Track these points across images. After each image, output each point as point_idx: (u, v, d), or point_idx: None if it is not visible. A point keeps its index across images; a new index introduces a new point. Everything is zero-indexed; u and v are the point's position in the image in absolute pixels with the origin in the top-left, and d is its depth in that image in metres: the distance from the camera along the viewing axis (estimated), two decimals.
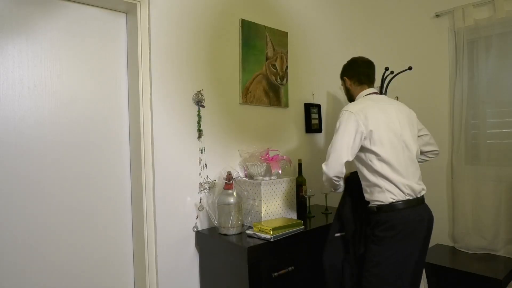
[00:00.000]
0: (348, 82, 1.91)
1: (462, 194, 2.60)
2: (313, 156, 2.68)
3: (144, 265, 1.82)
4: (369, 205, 1.71)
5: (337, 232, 1.85)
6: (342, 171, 1.64)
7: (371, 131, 1.63)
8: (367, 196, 1.72)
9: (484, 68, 2.52)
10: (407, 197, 1.63)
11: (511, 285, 2.17)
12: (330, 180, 1.68)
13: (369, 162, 1.66)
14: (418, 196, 1.67)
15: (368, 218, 1.73)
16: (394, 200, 1.61)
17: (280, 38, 2.43)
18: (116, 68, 1.86)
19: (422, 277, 2.28)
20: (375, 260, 1.62)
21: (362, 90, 1.85)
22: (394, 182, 1.61)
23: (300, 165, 2.43)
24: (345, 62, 1.94)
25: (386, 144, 1.64)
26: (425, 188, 1.72)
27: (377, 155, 1.63)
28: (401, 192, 1.62)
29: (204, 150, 2.02)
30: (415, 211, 1.64)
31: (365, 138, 1.64)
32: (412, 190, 1.64)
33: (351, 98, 1.93)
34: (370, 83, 1.87)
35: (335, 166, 1.62)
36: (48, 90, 1.65)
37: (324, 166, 1.66)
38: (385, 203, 1.63)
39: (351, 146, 1.62)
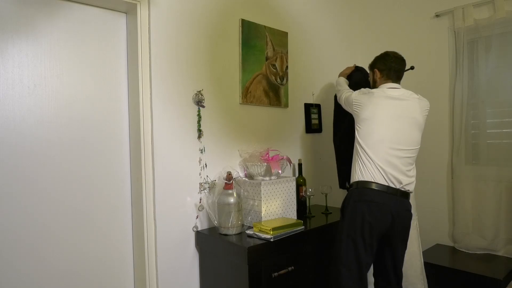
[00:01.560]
0: (378, 74, 1.95)
1: (462, 194, 2.60)
2: (313, 156, 2.68)
3: (144, 265, 1.82)
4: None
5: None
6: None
7: (362, 114, 1.82)
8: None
9: (484, 68, 2.52)
10: (374, 180, 1.73)
11: (511, 285, 2.17)
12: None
13: (355, 140, 1.87)
14: (390, 185, 1.74)
15: None
16: (359, 179, 1.78)
17: (280, 38, 2.43)
18: (116, 68, 1.86)
19: (422, 277, 2.28)
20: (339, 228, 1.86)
21: (384, 83, 1.90)
22: (364, 162, 1.77)
23: (300, 165, 2.43)
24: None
25: (371, 134, 1.78)
26: (404, 182, 1.76)
27: (359, 137, 1.82)
28: (368, 172, 1.75)
29: (204, 150, 2.02)
30: (377, 193, 1.73)
31: (354, 114, 1.89)
32: (382, 173, 1.73)
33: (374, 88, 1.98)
34: (397, 79, 1.91)
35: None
36: (48, 90, 1.65)
37: (341, 96, 2.11)
38: (353, 180, 1.82)
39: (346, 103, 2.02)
